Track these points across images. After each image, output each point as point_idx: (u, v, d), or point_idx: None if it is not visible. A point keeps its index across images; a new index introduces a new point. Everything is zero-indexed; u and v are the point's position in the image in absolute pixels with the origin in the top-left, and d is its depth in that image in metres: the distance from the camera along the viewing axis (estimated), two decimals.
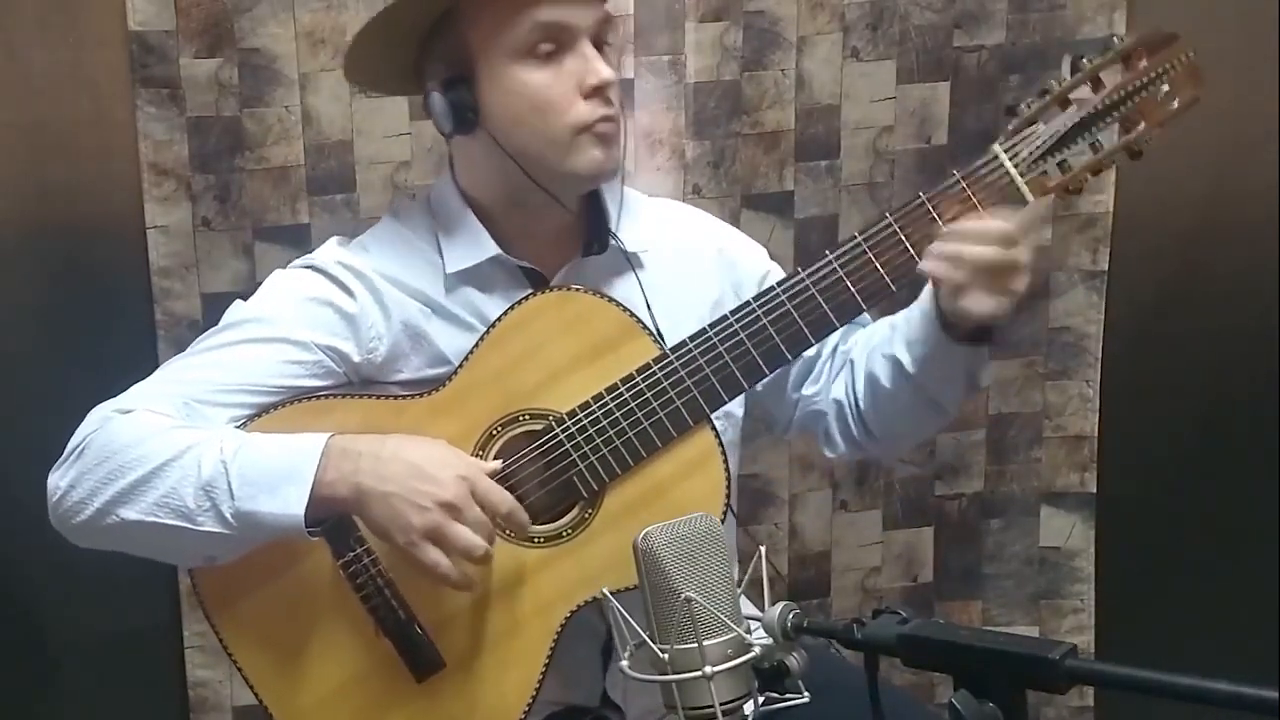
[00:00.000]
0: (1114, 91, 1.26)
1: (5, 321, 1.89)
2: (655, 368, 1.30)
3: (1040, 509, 2.17)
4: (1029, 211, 1.28)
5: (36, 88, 1.83)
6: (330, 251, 1.41)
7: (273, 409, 1.33)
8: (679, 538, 0.99)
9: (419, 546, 1.22)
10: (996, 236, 1.25)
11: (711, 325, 1.31)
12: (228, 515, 1.23)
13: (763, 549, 1.03)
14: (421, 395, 1.34)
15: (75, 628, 1.96)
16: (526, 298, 1.34)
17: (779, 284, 1.31)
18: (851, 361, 1.47)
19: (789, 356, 1.31)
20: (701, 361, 1.30)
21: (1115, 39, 1.26)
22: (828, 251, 1.30)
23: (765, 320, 1.30)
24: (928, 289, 1.34)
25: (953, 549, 2.18)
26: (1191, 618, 2.12)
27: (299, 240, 1.87)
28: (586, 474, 1.30)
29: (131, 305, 1.89)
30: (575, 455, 1.30)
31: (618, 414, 1.30)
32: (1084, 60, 1.26)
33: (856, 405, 1.46)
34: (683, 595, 0.97)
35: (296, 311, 1.36)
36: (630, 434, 1.30)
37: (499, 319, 1.34)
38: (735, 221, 1.92)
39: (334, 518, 1.26)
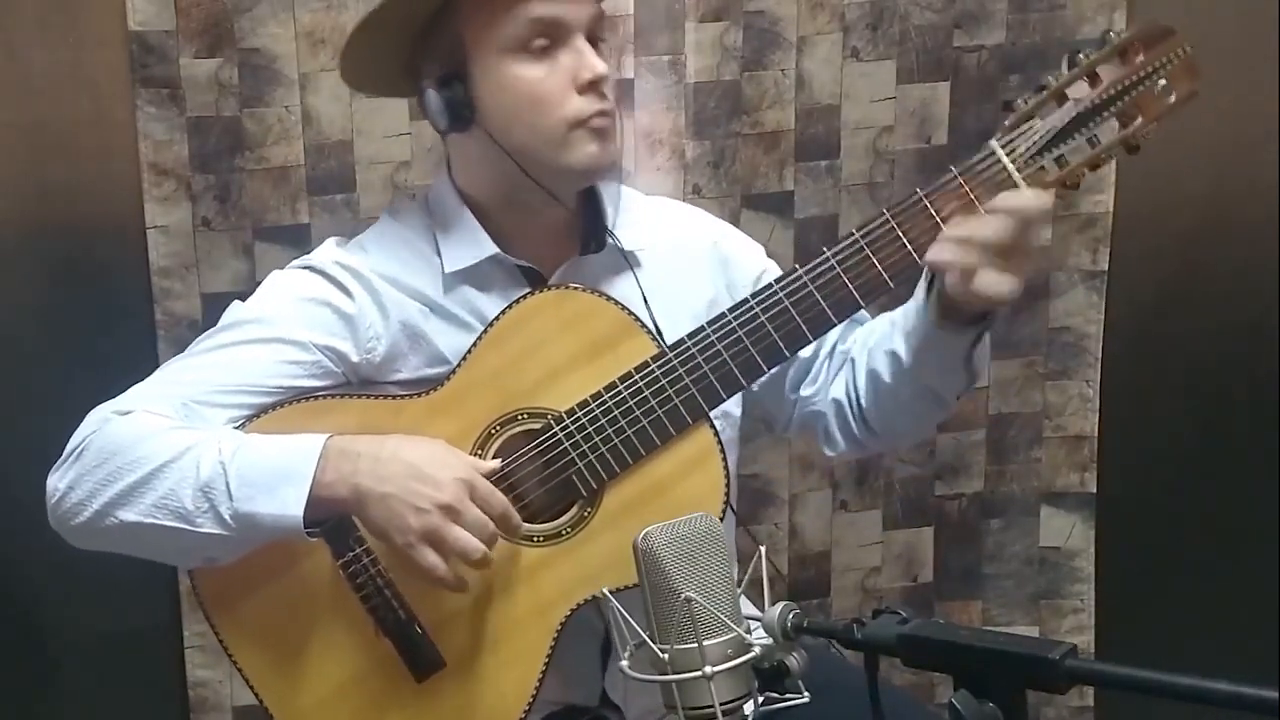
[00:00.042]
0: (1111, 86, 1.25)
1: (5, 321, 1.89)
2: (653, 366, 1.30)
3: (1040, 509, 2.17)
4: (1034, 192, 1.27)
5: (36, 88, 1.83)
6: (328, 252, 1.41)
7: (271, 409, 1.33)
8: (679, 538, 0.99)
9: (416, 548, 1.22)
10: (1009, 210, 1.24)
11: (710, 323, 1.30)
12: (226, 516, 1.23)
13: (763, 549, 1.03)
14: (419, 395, 1.34)
15: (75, 628, 1.96)
16: (524, 297, 1.34)
17: (777, 281, 1.30)
18: (852, 359, 1.47)
19: (787, 353, 1.31)
20: (700, 359, 1.30)
21: (1112, 34, 1.26)
22: (825, 249, 1.30)
23: (763, 318, 1.30)
24: (921, 282, 1.34)
25: (953, 549, 2.18)
26: (1191, 618, 2.12)
27: (299, 240, 1.87)
28: (585, 473, 1.30)
29: (131, 305, 1.89)
30: (574, 454, 1.30)
31: (616, 413, 1.30)
32: (1081, 55, 1.26)
33: (857, 402, 1.46)
34: (683, 595, 0.97)
35: (294, 312, 1.36)
36: (629, 432, 1.30)
37: (497, 318, 1.34)
38: (735, 221, 1.92)
39: (333, 518, 1.26)
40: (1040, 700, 2.08)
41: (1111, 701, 2.15)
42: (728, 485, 1.30)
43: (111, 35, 1.82)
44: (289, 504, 1.22)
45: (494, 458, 1.31)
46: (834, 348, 1.49)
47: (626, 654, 1.02)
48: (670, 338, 1.32)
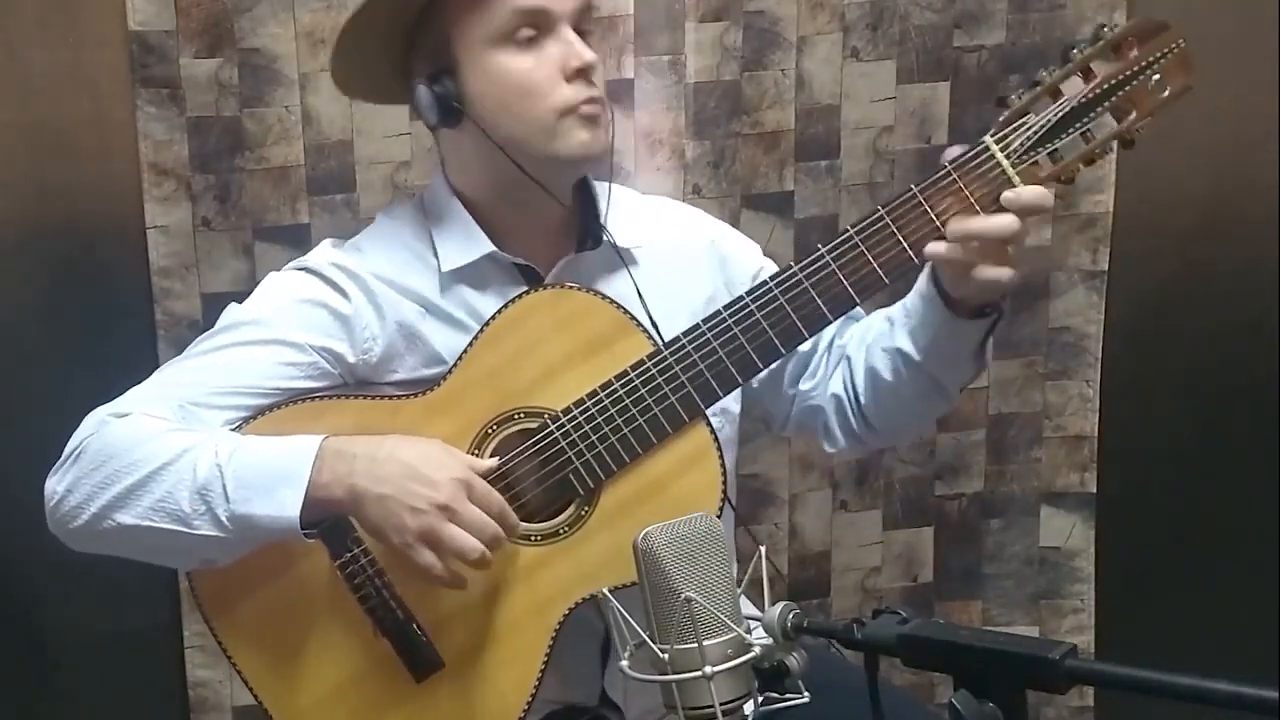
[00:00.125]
0: (1104, 81, 1.25)
1: (5, 321, 1.89)
2: (649, 364, 1.30)
3: (1040, 509, 2.17)
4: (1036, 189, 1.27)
5: (36, 88, 1.83)
6: (324, 253, 1.41)
7: (268, 411, 1.33)
8: (679, 538, 0.99)
9: (413, 548, 1.22)
10: (1012, 206, 1.25)
11: (705, 321, 1.30)
12: (223, 519, 1.23)
13: (763, 549, 1.03)
14: (416, 395, 1.34)
15: (75, 628, 1.95)
16: (520, 296, 1.34)
17: (772, 278, 1.31)
18: (848, 357, 1.48)
19: (783, 350, 1.31)
20: (695, 357, 1.30)
21: (1105, 29, 1.26)
22: (820, 245, 1.30)
23: (758, 315, 1.30)
24: (923, 276, 1.34)
25: (953, 549, 2.17)
26: (1191, 618, 2.12)
27: (299, 240, 1.87)
28: (582, 471, 1.30)
29: (131, 305, 1.88)
30: (571, 453, 1.30)
31: (613, 411, 1.30)
32: (1075, 51, 1.26)
33: (856, 399, 1.46)
34: (683, 595, 0.97)
35: (291, 313, 1.36)
36: (626, 431, 1.30)
37: (493, 318, 1.33)
38: (735, 221, 1.92)
39: (330, 519, 1.26)
40: (1040, 700, 2.07)
41: (1111, 701, 2.15)
42: (725, 483, 1.30)
43: (111, 35, 1.82)
44: (286, 505, 1.22)
45: (491, 457, 1.31)
46: (832, 342, 1.50)
47: (626, 654, 1.02)
48: (666, 335, 1.32)
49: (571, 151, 1.33)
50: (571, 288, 1.35)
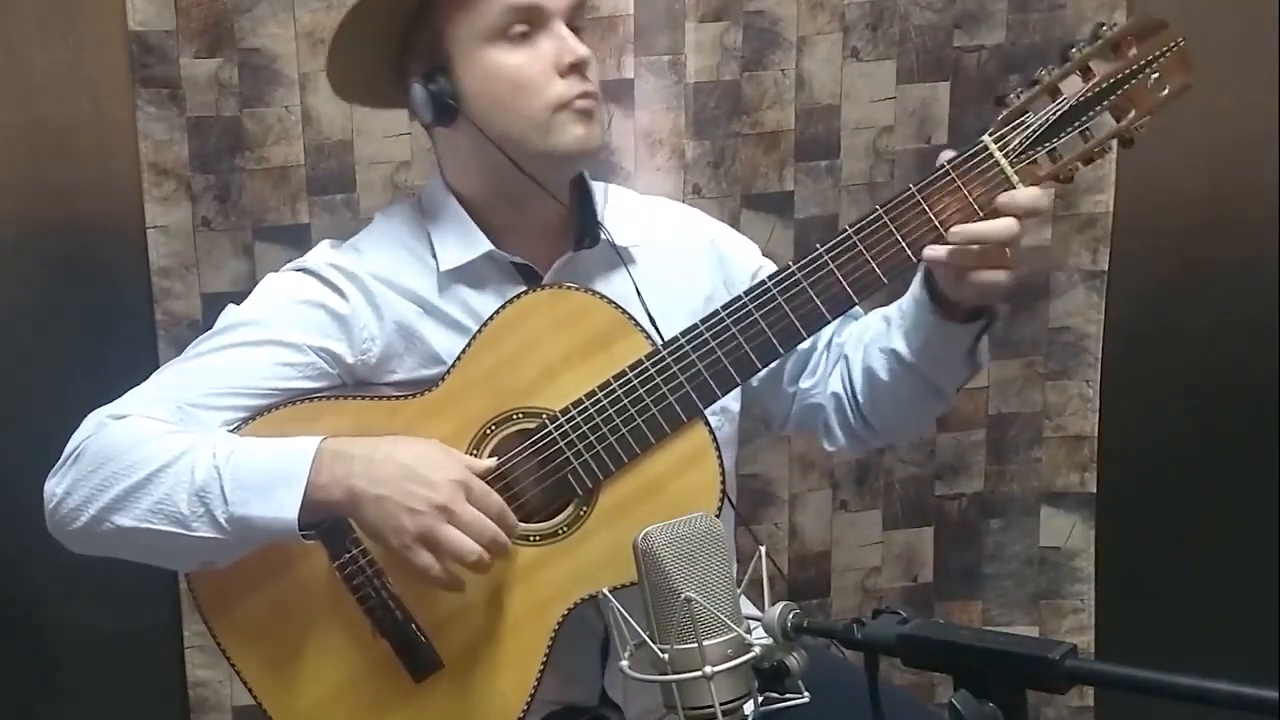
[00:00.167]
0: (1103, 80, 1.25)
1: (5, 321, 1.89)
2: (648, 363, 1.30)
3: (1040, 509, 2.17)
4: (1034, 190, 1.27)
5: (36, 88, 1.83)
6: (322, 254, 1.41)
7: (267, 412, 1.33)
8: (679, 538, 0.99)
9: (411, 549, 1.22)
10: (1011, 209, 1.25)
11: (703, 320, 1.30)
12: (221, 520, 1.23)
13: (763, 549, 1.03)
14: (415, 396, 1.34)
15: (75, 628, 1.96)
16: (518, 296, 1.34)
17: (770, 278, 1.30)
18: (846, 356, 1.48)
19: (781, 350, 1.31)
20: (694, 357, 1.30)
21: (1104, 28, 1.26)
22: (818, 245, 1.30)
23: (757, 314, 1.30)
24: (916, 279, 1.34)
25: (953, 549, 2.17)
26: (1191, 618, 2.12)
27: (299, 240, 1.87)
28: (581, 471, 1.30)
29: (131, 305, 1.89)
30: (569, 453, 1.30)
31: (611, 411, 1.30)
32: (1074, 50, 1.26)
33: (854, 398, 1.47)
34: (683, 595, 0.96)
35: (289, 314, 1.36)
36: (624, 430, 1.30)
37: (491, 318, 1.33)
38: (735, 221, 1.92)
39: (328, 520, 1.26)
40: (1040, 700, 2.07)
41: (1111, 701, 2.15)
42: (724, 482, 1.30)
43: (111, 35, 1.82)
44: (284, 507, 1.22)
45: (489, 457, 1.31)
46: (831, 341, 1.50)
47: (626, 654, 1.02)
48: (667, 335, 1.32)
49: (567, 146, 1.33)
50: (570, 288, 1.35)
